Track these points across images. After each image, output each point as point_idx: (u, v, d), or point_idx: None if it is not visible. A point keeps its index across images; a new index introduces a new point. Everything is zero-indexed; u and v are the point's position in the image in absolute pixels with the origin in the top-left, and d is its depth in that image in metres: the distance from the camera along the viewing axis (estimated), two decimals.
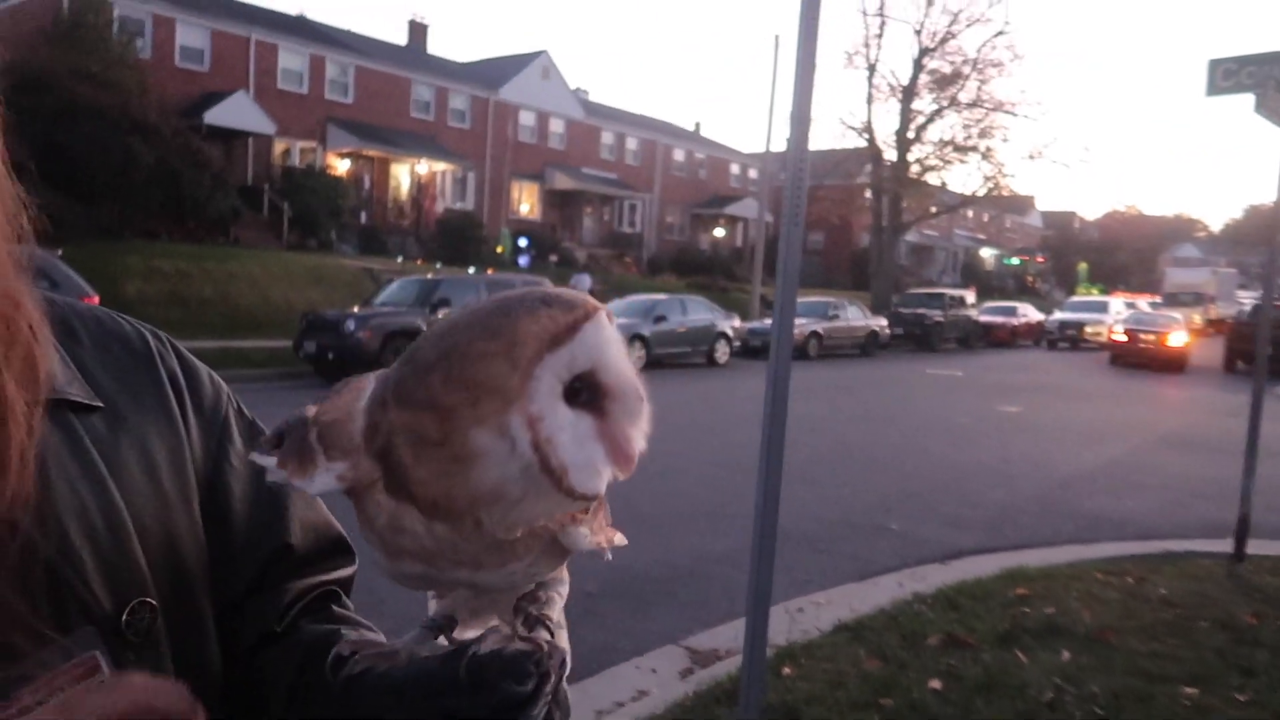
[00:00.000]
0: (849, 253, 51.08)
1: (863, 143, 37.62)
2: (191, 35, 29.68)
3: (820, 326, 25.03)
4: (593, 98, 47.12)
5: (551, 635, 0.64)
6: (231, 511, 0.78)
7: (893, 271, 38.82)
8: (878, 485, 8.78)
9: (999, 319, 34.30)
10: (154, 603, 0.67)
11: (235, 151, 29.58)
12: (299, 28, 33.97)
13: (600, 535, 0.63)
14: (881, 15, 36.27)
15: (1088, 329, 32.63)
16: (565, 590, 0.70)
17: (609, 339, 0.59)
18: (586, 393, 0.58)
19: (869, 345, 26.94)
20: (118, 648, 0.64)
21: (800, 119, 2.35)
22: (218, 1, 31.97)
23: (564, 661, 0.61)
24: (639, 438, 0.60)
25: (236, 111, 28.80)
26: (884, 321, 28.60)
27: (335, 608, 0.82)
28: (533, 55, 41.25)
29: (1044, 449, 11.14)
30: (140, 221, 22.95)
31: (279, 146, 31.19)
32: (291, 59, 32.19)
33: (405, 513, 0.57)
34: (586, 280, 26.62)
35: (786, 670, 4.10)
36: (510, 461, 0.55)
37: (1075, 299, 39.25)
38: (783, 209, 2.58)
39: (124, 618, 0.65)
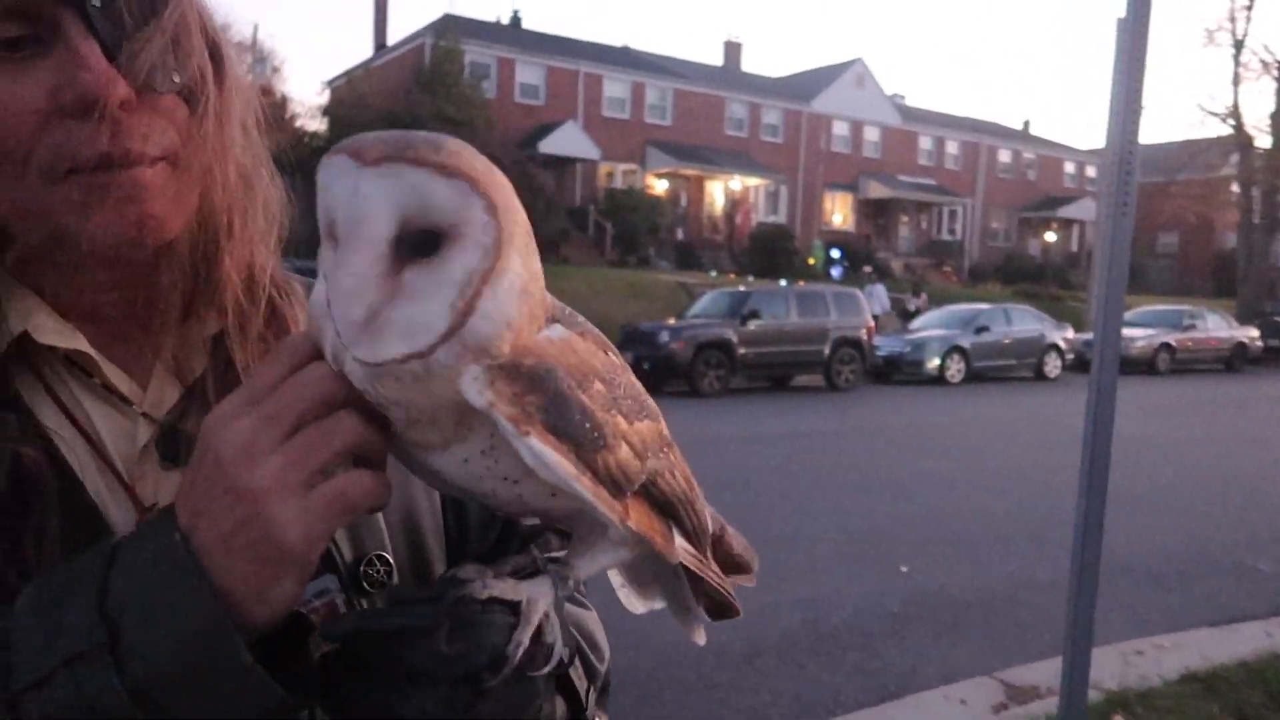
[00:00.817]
0: (1210, 255, 45.05)
1: (1228, 129, 33.02)
2: (529, 73, 32.63)
3: (1172, 338, 22.28)
4: (910, 102, 45.63)
5: (554, 585, 0.60)
6: None
7: (1267, 275, 33.66)
8: (1244, 519, 7.59)
9: None
10: (389, 559, 0.72)
11: (565, 177, 32.02)
12: (623, 58, 36.14)
13: (498, 399, 0.52)
14: None
15: None
16: (621, 556, 0.63)
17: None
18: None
19: (1235, 359, 23.52)
20: (355, 594, 0.70)
21: (1130, 88, 2.06)
22: (552, 40, 34.92)
23: (476, 591, 0.57)
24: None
25: (566, 140, 31.20)
26: (1254, 332, 24.81)
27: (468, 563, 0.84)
28: (846, 64, 40.74)
29: None
30: None
31: (603, 170, 33.34)
32: (615, 87, 34.32)
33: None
34: (881, 290, 25.75)
35: (1118, 718, 3.64)
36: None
37: None
38: (1100, 196, 2.30)
39: (361, 568, 0.71)
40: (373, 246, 0.51)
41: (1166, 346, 22.06)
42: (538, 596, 0.59)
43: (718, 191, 36.29)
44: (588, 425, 0.56)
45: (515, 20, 37.02)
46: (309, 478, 0.53)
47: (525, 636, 0.57)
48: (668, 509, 0.63)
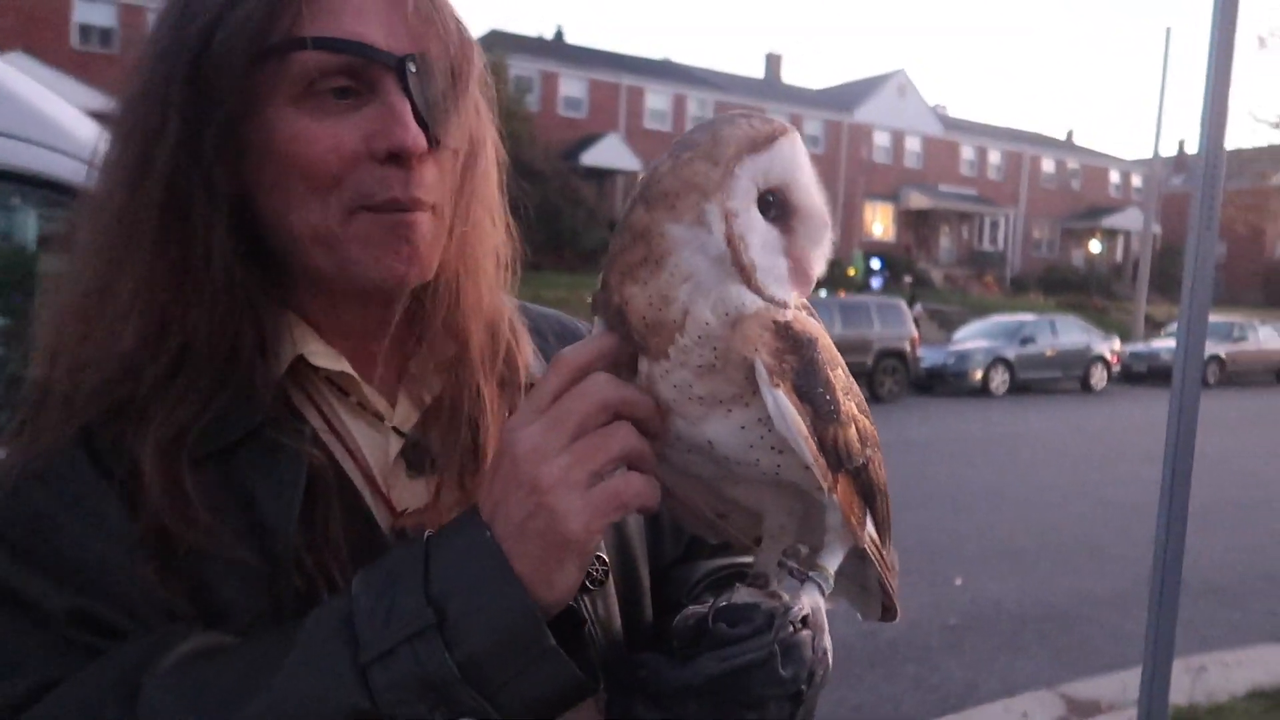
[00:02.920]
0: (1259, 265, 44.16)
1: (1279, 137, 32.44)
2: (572, 87, 32.89)
3: (1222, 350, 21.87)
4: (952, 113, 45.30)
5: (821, 589, 0.67)
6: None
7: None
8: None
9: None
10: (606, 559, 0.79)
11: (606, 188, 32.20)
12: (664, 71, 36.29)
13: (763, 348, 0.61)
14: None
15: None
16: (847, 547, 0.69)
17: (803, 160, 0.63)
18: (776, 209, 0.62)
19: None
20: (580, 593, 0.74)
21: (1217, 107, 2.09)
22: (595, 53, 35.17)
23: (794, 615, 0.64)
24: (820, 261, 0.65)
25: (608, 152, 31.38)
26: None
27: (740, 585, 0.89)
28: (888, 75, 40.57)
29: None
30: (527, 256, 25.83)
31: None
32: (657, 100, 34.49)
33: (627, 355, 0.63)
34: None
35: None
36: (705, 248, 0.59)
37: None
38: (1190, 213, 2.32)
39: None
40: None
41: (1217, 359, 21.64)
42: (819, 605, 0.66)
43: None
44: (828, 398, 0.63)
45: (558, 35, 37.34)
46: (590, 478, 0.60)
47: (828, 643, 0.65)
48: (869, 496, 0.69)
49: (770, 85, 40.63)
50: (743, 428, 0.63)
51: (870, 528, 0.70)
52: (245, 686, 0.60)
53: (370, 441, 0.76)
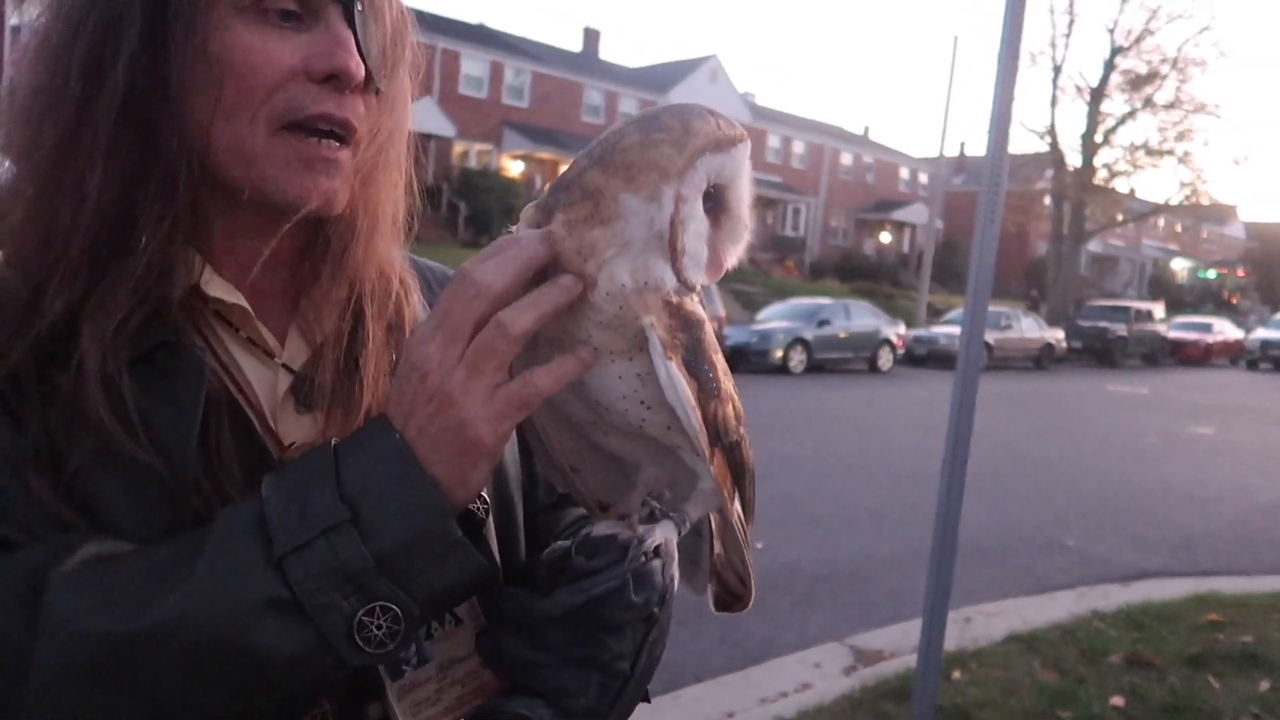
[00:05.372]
0: (1024, 262, 48.75)
1: (1044, 147, 35.79)
2: None
3: (991, 337, 24.05)
4: (760, 101, 46.99)
5: (677, 526, 0.73)
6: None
7: (1072, 282, 36.76)
8: (1053, 501, 8.41)
9: (1191, 335, 31.88)
10: (487, 498, 0.83)
11: (417, 153, 31.22)
12: (480, 36, 35.52)
13: (659, 323, 0.65)
14: (1071, 13, 34.43)
15: None
16: (711, 505, 0.75)
17: (748, 168, 0.70)
18: (712, 202, 0.68)
19: (1043, 358, 25.65)
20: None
21: (1001, 117, 2.36)
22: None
23: (648, 547, 0.69)
24: (734, 257, 0.72)
25: (421, 115, 29.73)
26: (1060, 334, 27.15)
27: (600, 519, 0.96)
28: (702, 59, 41.53)
29: (1242, 474, 10.33)
30: None
31: (458, 149, 32.72)
32: (472, 65, 33.71)
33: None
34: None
35: (956, 674, 4.05)
36: (651, 224, 0.64)
37: None
38: (978, 209, 2.59)
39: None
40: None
41: (986, 344, 23.72)
42: (670, 538, 0.73)
43: None
44: (711, 375, 0.70)
45: None
46: (491, 387, 0.64)
47: (675, 571, 0.72)
48: (739, 474, 0.76)
49: (588, 60, 40.67)
50: (620, 377, 0.67)
51: (738, 505, 0.76)
52: (158, 583, 0.61)
53: (259, 376, 0.77)
